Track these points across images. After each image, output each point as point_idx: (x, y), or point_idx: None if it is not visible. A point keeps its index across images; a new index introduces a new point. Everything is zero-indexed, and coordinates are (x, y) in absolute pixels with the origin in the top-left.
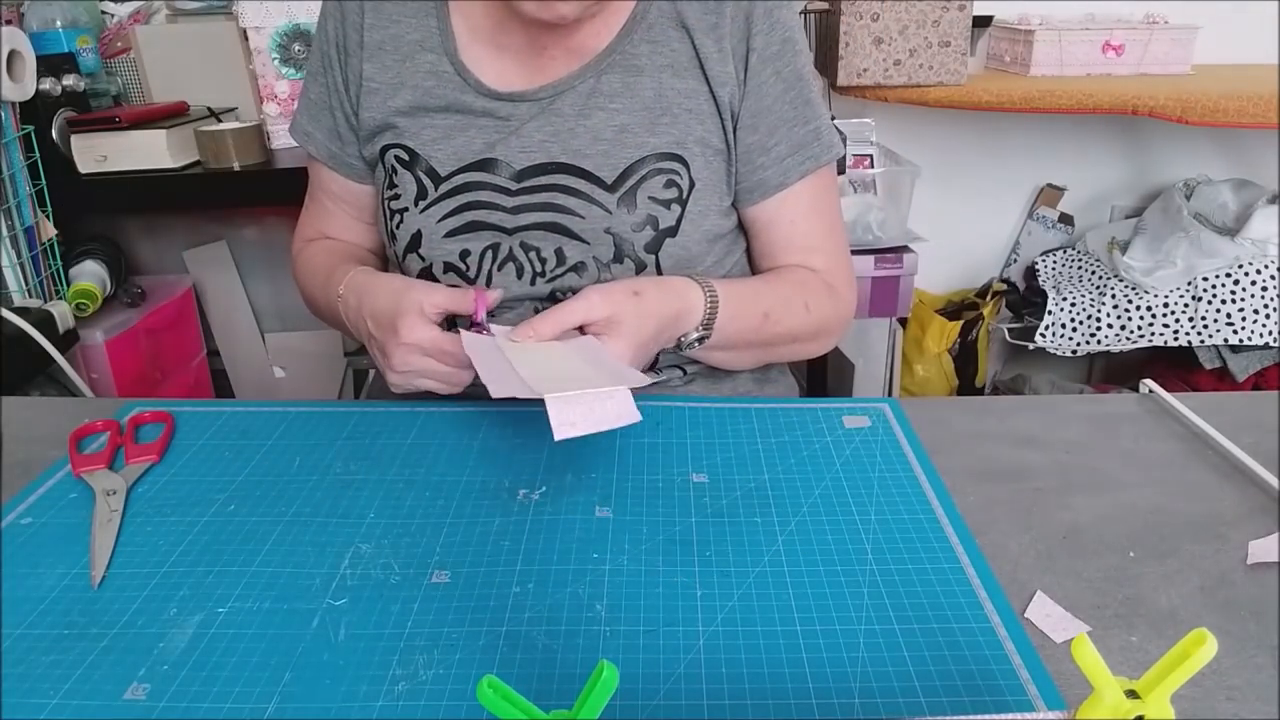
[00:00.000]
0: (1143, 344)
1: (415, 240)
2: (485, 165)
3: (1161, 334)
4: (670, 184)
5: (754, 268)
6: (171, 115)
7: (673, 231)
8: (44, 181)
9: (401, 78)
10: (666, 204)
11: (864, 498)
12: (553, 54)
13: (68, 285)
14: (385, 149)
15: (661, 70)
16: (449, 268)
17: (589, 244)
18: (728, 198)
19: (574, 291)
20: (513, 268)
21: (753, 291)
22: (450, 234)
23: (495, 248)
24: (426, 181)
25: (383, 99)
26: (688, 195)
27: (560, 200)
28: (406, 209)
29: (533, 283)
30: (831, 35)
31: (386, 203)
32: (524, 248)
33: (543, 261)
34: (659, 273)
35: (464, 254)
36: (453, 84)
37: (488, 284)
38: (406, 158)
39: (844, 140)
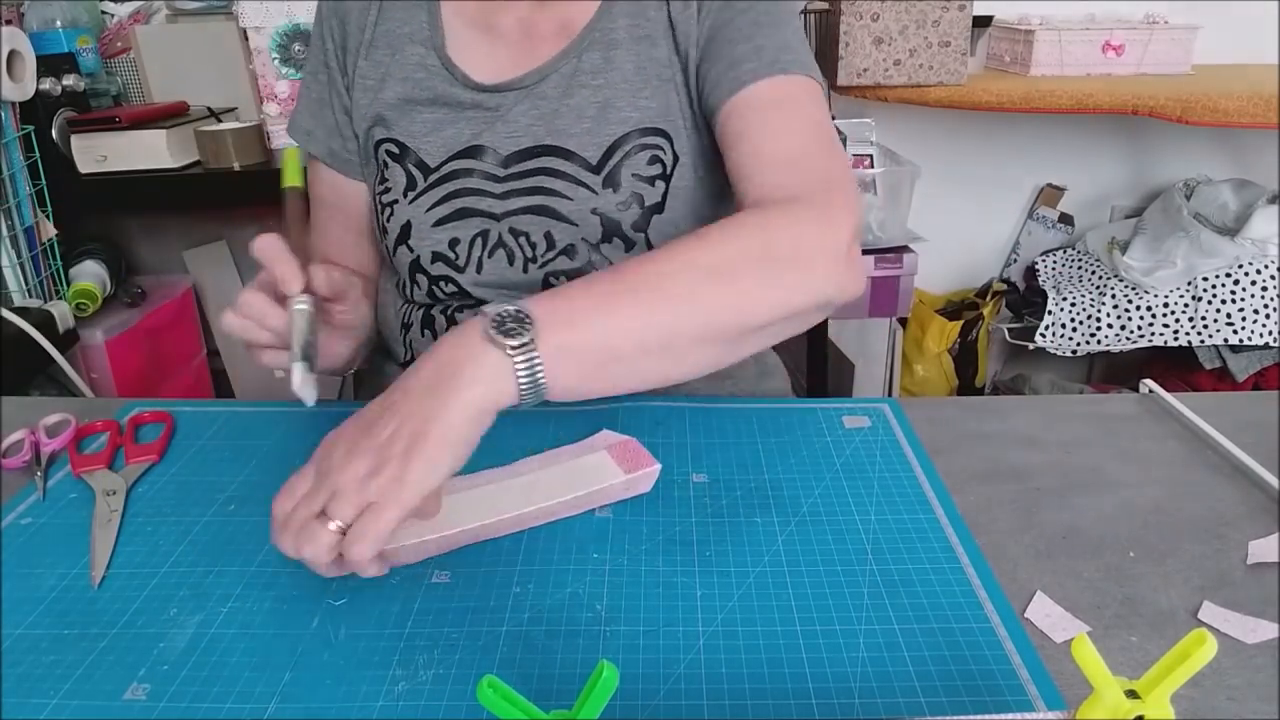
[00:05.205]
0: (1143, 344)
1: (405, 231)
2: (473, 153)
3: (1161, 334)
4: (654, 160)
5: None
6: (171, 115)
7: (659, 208)
8: (44, 181)
9: (390, 70)
10: (650, 180)
11: (864, 498)
12: (544, 33)
13: (68, 285)
14: (378, 144)
15: (639, 41)
16: (438, 257)
17: (577, 226)
18: (714, 171)
19: (567, 276)
20: (503, 254)
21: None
22: (439, 223)
23: (485, 235)
24: (416, 173)
25: (373, 92)
26: (672, 170)
27: (547, 183)
28: (396, 201)
29: (525, 269)
30: (831, 35)
31: (378, 197)
32: (513, 233)
33: (533, 246)
34: (649, 249)
35: (453, 242)
36: (440, 77)
37: (478, 271)
38: (397, 151)
39: (844, 140)
